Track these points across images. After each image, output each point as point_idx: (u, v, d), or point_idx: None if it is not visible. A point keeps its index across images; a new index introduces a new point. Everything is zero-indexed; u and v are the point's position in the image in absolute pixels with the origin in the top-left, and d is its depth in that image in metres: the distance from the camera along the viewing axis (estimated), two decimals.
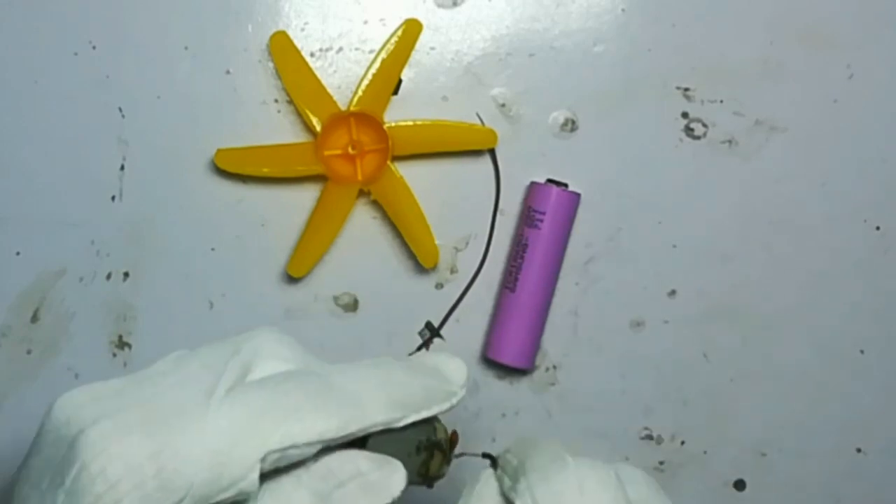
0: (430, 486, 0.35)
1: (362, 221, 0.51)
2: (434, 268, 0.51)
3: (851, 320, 0.52)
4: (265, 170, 0.49)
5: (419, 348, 0.51)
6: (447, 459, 0.35)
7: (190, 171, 0.50)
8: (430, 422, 0.34)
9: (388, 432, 0.33)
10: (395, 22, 0.50)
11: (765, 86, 0.51)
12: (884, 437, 0.53)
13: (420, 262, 0.50)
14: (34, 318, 0.50)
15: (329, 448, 0.32)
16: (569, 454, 0.33)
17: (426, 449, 0.34)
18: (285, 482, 0.31)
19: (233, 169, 0.50)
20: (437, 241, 0.50)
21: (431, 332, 0.51)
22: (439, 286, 0.51)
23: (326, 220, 0.50)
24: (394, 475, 0.32)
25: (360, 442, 0.32)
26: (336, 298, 0.51)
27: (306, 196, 0.50)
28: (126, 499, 0.28)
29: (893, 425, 0.52)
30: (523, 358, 0.50)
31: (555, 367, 0.51)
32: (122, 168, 0.50)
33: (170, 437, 0.29)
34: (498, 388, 0.51)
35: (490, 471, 0.35)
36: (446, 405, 0.34)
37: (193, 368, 0.32)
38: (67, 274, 0.50)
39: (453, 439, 0.35)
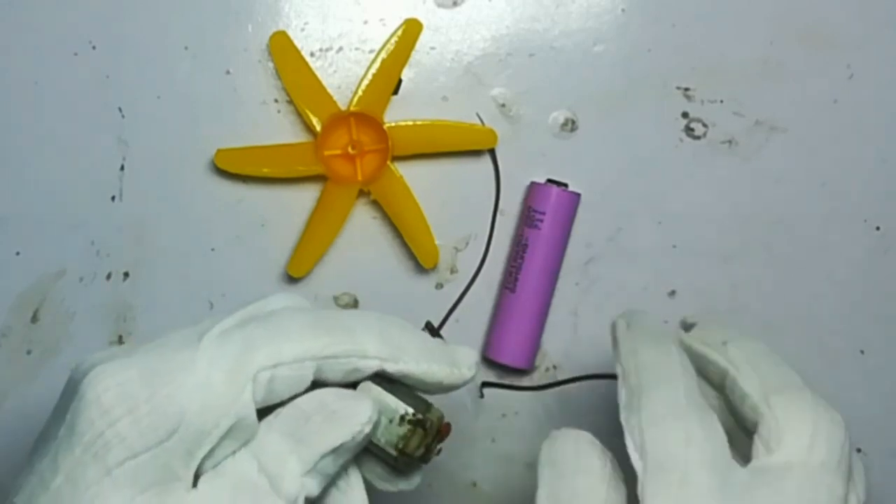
0: (406, 466, 0.34)
1: (362, 221, 0.51)
2: (434, 268, 0.51)
3: (851, 321, 0.52)
4: (265, 170, 0.49)
5: None
6: (427, 445, 0.34)
7: (190, 171, 0.50)
8: (426, 401, 0.34)
9: (377, 388, 0.33)
10: (395, 22, 0.50)
11: (765, 86, 0.51)
12: (884, 438, 0.52)
13: (420, 263, 0.50)
14: (34, 319, 0.50)
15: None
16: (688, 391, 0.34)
17: (410, 422, 0.33)
18: (260, 431, 0.32)
19: (233, 169, 0.50)
20: (436, 242, 0.50)
21: (431, 333, 0.51)
22: (439, 286, 0.51)
23: (326, 221, 0.50)
24: (359, 404, 0.32)
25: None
26: (336, 298, 0.51)
27: (306, 196, 0.50)
28: (119, 422, 0.29)
29: (893, 426, 0.52)
30: (523, 358, 0.50)
31: (555, 367, 0.51)
32: (122, 168, 0.50)
33: (162, 368, 0.30)
34: (498, 388, 0.51)
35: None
36: (450, 374, 0.34)
37: (203, 322, 0.33)
38: (67, 274, 0.50)
39: (443, 430, 0.35)
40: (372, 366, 0.33)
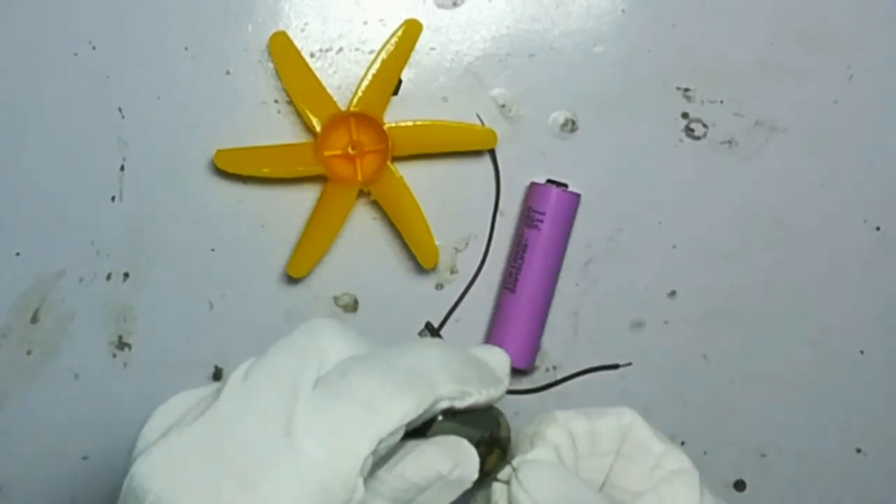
0: (481, 482, 0.34)
1: (362, 222, 0.51)
2: (434, 268, 0.51)
3: (851, 321, 0.52)
4: (265, 170, 0.49)
5: None
6: (505, 457, 0.34)
7: (190, 171, 0.50)
8: (494, 417, 0.34)
9: (450, 424, 0.32)
10: (395, 22, 0.50)
11: (765, 86, 0.51)
12: (884, 438, 0.53)
13: (420, 263, 0.50)
14: (34, 319, 0.50)
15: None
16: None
17: (486, 444, 0.33)
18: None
19: (233, 169, 0.49)
20: (437, 242, 0.50)
21: (431, 333, 0.51)
22: (439, 287, 0.51)
23: (326, 221, 0.50)
24: (465, 458, 0.32)
25: (418, 432, 0.32)
26: (336, 299, 0.51)
27: (306, 197, 0.50)
28: None
29: (893, 426, 0.52)
30: (523, 359, 0.50)
31: (555, 367, 0.51)
32: (122, 169, 0.50)
33: (264, 489, 0.28)
34: None
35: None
36: (497, 390, 0.34)
37: (265, 401, 0.30)
38: (67, 274, 0.50)
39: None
40: (443, 406, 0.32)
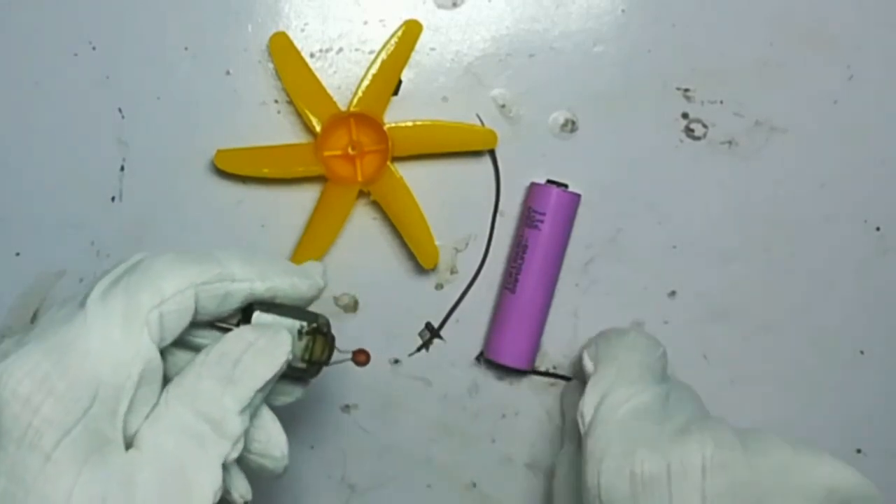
0: (316, 373, 0.38)
1: (362, 222, 0.51)
2: (434, 268, 0.51)
3: (851, 321, 0.52)
4: (265, 170, 0.49)
5: (419, 349, 0.51)
6: (329, 345, 0.37)
7: (190, 171, 0.50)
8: (312, 313, 0.38)
9: (268, 315, 0.36)
10: (394, 22, 0.50)
11: (765, 86, 0.51)
12: (884, 438, 0.53)
13: (420, 263, 0.50)
14: (34, 319, 0.50)
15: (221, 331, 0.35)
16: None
17: (308, 334, 0.37)
18: (187, 381, 0.33)
19: (232, 170, 0.49)
20: (437, 242, 0.50)
21: (431, 333, 0.51)
22: (439, 287, 0.51)
23: (326, 221, 0.50)
24: (277, 334, 0.35)
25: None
26: (336, 299, 0.51)
27: (306, 197, 0.50)
28: (43, 406, 0.30)
29: (893, 426, 0.52)
30: (523, 359, 0.50)
31: (555, 367, 0.51)
32: (122, 169, 0.50)
33: (61, 343, 0.31)
34: (498, 388, 0.51)
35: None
36: (309, 285, 0.37)
37: (76, 294, 0.34)
38: (67, 275, 0.50)
39: (361, 359, 0.39)
40: (243, 288, 0.35)
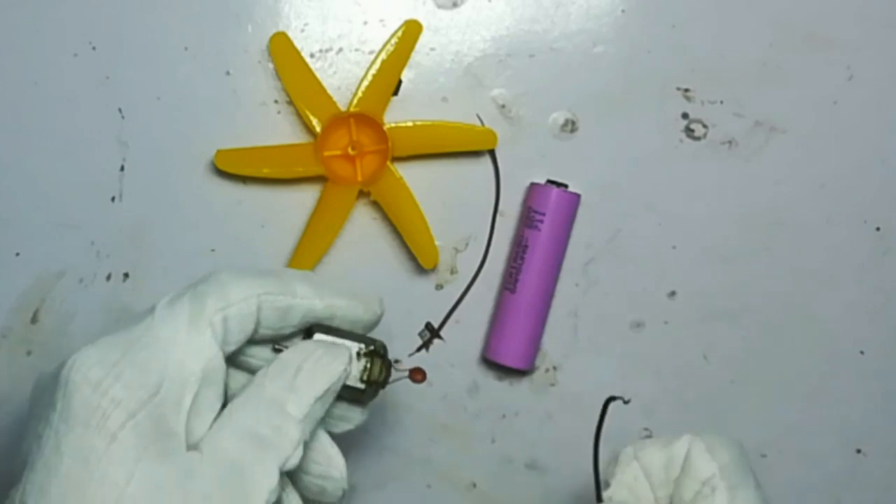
0: (374, 394, 0.39)
1: (362, 222, 0.51)
2: (434, 269, 0.51)
3: (851, 321, 0.52)
4: (265, 171, 0.49)
5: (419, 349, 0.51)
6: (386, 367, 0.39)
7: (190, 172, 0.50)
8: (369, 337, 0.39)
9: (326, 336, 0.38)
10: (394, 23, 0.50)
11: (765, 87, 0.51)
12: (884, 439, 0.53)
13: (420, 263, 0.50)
14: (34, 320, 0.50)
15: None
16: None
17: (366, 355, 0.38)
18: (250, 390, 0.35)
19: (232, 170, 0.50)
20: (436, 242, 0.50)
21: (431, 333, 0.51)
22: (439, 287, 0.51)
23: (326, 221, 0.50)
24: (337, 348, 0.37)
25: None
26: None
27: (306, 197, 0.50)
28: (111, 389, 0.32)
29: (893, 426, 0.52)
30: (523, 359, 0.50)
31: (555, 368, 0.51)
32: (122, 169, 0.50)
33: (131, 338, 0.33)
34: (498, 389, 0.51)
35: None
36: (367, 310, 0.39)
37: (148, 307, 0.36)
38: (67, 275, 0.50)
39: (418, 377, 0.41)
40: (303, 304, 0.37)
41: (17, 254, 0.50)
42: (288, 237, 0.50)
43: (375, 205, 0.50)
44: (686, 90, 0.51)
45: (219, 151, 0.49)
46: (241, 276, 0.36)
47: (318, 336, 0.38)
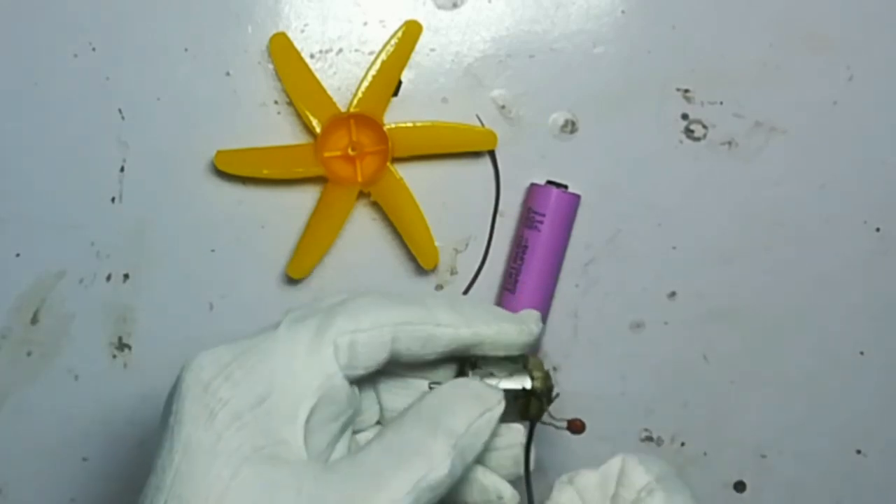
0: (532, 424, 0.37)
1: (362, 223, 0.51)
2: (434, 269, 0.51)
3: (851, 322, 0.52)
4: (265, 171, 0.49)
5: None
6: (549, 401, 0.37)
7: (190, 172, 0.50)
8: (527, 369, 0.36)
9: (481, 377, 0.35)
10: (394, 23, 0.50)
11: (765, 87, 0.51)
12: (884, 439, 0.53)
13: (420, 264, 0.50)
14: (34, 320, 0.50)
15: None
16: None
17: (523, 397, 0.36)
18: (400, 422, 0.33)
19: (232, 170, 0.50)
20: (436, 243, 0.50)
21: None
22: (439, 287, 0.51)
23: (326, 222, 0.50)
24: (490, 388, 0.35)
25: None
26: None
27: (306, 198, 0.50)
28: (220, 389, 0.31)
29: (893, 427, 0.53)
30: None
31: (555, 368, 0.51)
32: (122, 170, 0.50)
33: (248, 345, 0.33)
34: None
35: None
36: (521, 332, 0.36)
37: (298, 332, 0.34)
38: (67, 275, 0.50)
39: (577, 427, 0.38)
40: (447, 333, 0.35)
41: (18, 255, 0.50)
42: (288, 238, 0.50)
43: (375, 205, 0.50)
44: (686, 91, 0.51)
45: (219, 152, 0.49)
46: (380, 304, 0.34)
47: (471, 375, 0.36)
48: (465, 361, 0.36)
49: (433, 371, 0.37)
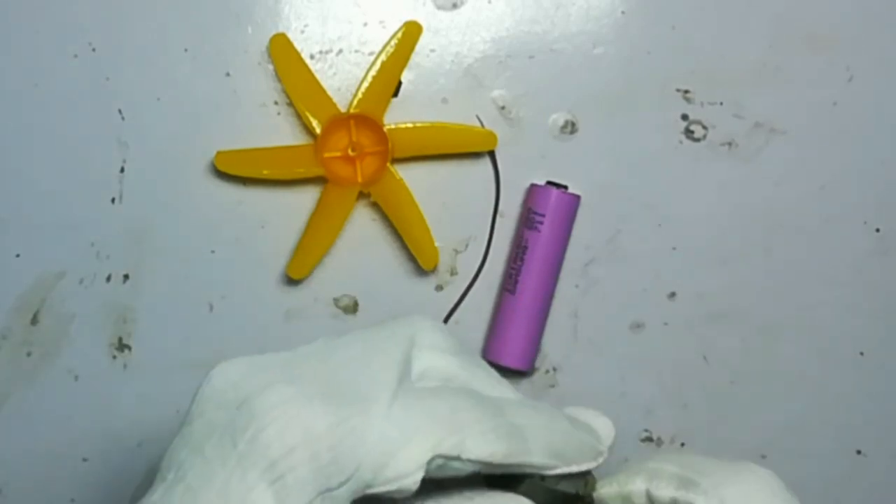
0: None
1: (362, 223, 0.51)
2: (434, 270, 0.51)
3: (851, 322, 0.52)
4: (265, 172, 0.49)
5: None
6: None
7: (190, 173, 0.50)
8: (582, 475, 0.33)
9: (541, 481, 0.32)
10: (394, 24, 0.50)
11: (764, 88, 0.51)
12: (884, 439, 0.53)
13: (420, 264, 0.50)
14: (34, 320, 0.50)
15: (472, 481, 0.31)
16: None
17: (573, 502, 0.33)
18: None
19: (232, 171, 0.50)
20: (436, 243, 0.50)
21: None
22: (439, 288, 0.51)
23: (326, 222, 0.50)
24: None
25: (506, 484, 0.32)
26: (336, 300, 0.51)
27: (306, 198, 0.50)
28: (301, 467, 0.27)
29: (893, 427, 0.53)
30: (523, 360, 0.50)
31: (555, 369, 0.51)
32: (122, 170, 0.50)
33: (350, 415, 0.28)
34: None
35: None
36: (594, 463, 0.33)
37: (357, 352, 0.30)
38: (67, 276, 0.50)
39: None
40: (530, 471, 0.32)
41: (18, 255, 0.50)
42: (288, 238, 0.50)
43: (375, 206, 0.50)
44: (686, 91, 0.51)
45: (219, 152, 0.49)
46: (486, 426, 0.30)
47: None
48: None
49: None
